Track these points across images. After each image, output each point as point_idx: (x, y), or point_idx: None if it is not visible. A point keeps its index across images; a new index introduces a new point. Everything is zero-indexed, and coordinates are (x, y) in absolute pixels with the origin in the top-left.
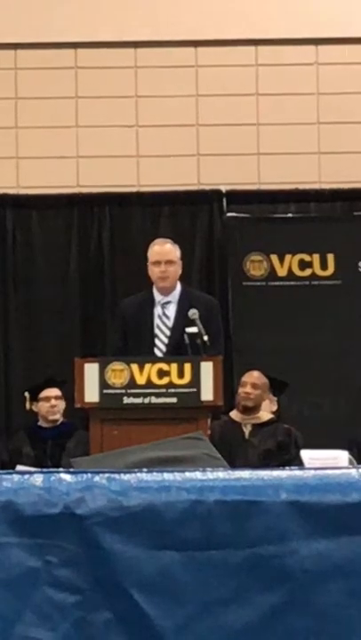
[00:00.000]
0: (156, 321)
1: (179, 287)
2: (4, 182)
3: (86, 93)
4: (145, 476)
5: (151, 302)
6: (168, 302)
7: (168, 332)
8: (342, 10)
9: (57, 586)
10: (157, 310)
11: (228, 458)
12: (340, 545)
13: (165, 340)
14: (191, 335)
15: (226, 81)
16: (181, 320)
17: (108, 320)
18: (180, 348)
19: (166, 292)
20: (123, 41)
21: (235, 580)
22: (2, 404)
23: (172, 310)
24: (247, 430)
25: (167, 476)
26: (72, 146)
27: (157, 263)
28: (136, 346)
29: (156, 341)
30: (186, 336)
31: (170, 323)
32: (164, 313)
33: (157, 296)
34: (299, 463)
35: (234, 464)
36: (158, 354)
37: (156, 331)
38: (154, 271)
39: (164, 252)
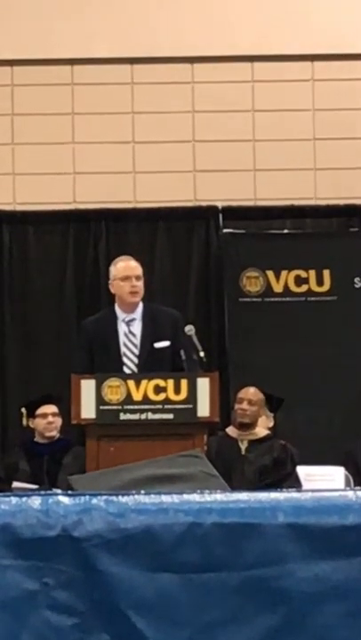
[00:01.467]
0: (123, 339)
1: (141, 304)
2: (1, 198)
3: (83, 109)
4: (143, 498)
5: (114, 320)
6: (132, 319)
7: (136, 350)
8: (338, 26)
9: (55, 608)
10: (122, 328)
11: (224, 474)
12: (337, 567)
13: (134, 358)
14: (160, 350)
15: (222, 97)
16: (148, 336)
17: None
18: (149, 365)
19: (130, 309)
20: (119, 57)
21: (232, 602)
22: None
23: (137, 327)
24: (244, 446)
25: (165, 497)
26: (69, 162)
27: (128, 278)
28: (104, 364)
29: (125, 359)
30: (182, 352)
31: (137, 340)
32: (130, 330)
33: (120, 314)
34: (295, 479)
35: (230, 480)
36: (127, 371)
37: (124, 349)
38: (123, 287)
39: (132, 267)
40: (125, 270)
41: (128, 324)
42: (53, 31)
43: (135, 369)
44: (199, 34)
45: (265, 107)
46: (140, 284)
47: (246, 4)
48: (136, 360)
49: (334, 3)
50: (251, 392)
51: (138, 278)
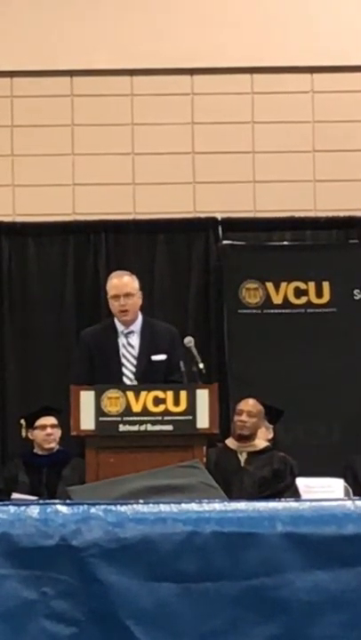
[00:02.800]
0: (122, 350)
1: (140, 317)
2: (0, 210)
3: (82, 121)
4: (141, 508)
5: (114, 332)
6: (131, 332)
7: (134, 361)
8: (338, 38)
9: (53, 617)
10: (121, 340)
11: (223, 486)
12: (335, 577)
13: (132, 369)
14: (157, 363)
15: (222, 109)
16: (145, 349)
17: None
18: (146, 376)
19: (128, 323)
20: (119, 69)
21: (231, 611)
22: None
23: (135, 340)
24: (243, 458)
25: (163, 507)
26: (68, 173)
27: (116, 297)
28: (104, 375)
29: (124, 370)
30: (182, 363)
31: (135, 352)
32: (129, 342)
33: (120, 326)
34: (294, 491)
35: (230, 492)
36: (127, 382)
37: (123, 360)
38: (114, 305)
39: (121, 286)
40: (113, 289)
41: (127, 336)
42: (53, 43)
43: (133, 380)
44: (199, 45)
45: (265, 118)
46: (132, 301)
47: (246, 16)
48: (134, 370)
49: (334, 15)
50: (250, 404)
51: (127, 296)
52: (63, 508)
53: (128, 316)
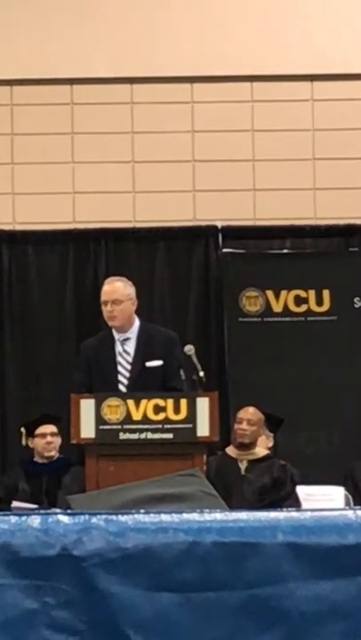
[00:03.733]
0: (118, 357)
1: (137, 323)
2: (1, 218)
3: (82, 129)
4: (142, 518)
5: (112, 340)
6: (127, 339)
7: (128, 367)
8: (337, 46)
9: (54, 627)
10: (118, 347)
11: (223, 494)
12: (336, 586)
13: (127, 375)
14: (151, 369)
15: (222, 117)
16: (140, 355)
17: None
18: (140, 383)
19: (123, 329)
20: (119, 77)
21: (232, 621)
22: None
23: (131, 346)
24: (243, 466)
25: (164, 517)
26: (68, 181)
27: (105, 303)
28: (101, 383)
29: (119, 377)
30: (182, 371)
31: (130, 358)
32: (125, 349)
33: (117, 334)
34: (295, 499)
35: (230, 500)
36: (122, 389)
37: (118, 367)
38: (104, 311)
39: (110, 292)
40: (103, 294)
41: (123, 343)
42: (53, 51)
43: (126, 387)
44: (199, 54)
45: (264, 126)
46: (120, 307)
47: (246, 25)
48: (128, 375)
49: (333, 23)
50: (250, 412)
51: (115, 302)
52: (64, 518)
53: (116, 321)
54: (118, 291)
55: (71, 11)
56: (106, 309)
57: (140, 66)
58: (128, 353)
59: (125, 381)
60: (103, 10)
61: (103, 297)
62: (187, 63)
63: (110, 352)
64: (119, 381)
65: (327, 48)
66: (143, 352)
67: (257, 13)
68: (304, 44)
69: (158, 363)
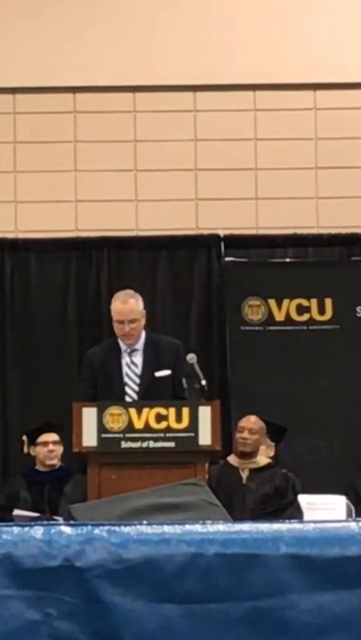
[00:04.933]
0: (125, 369)
1: (143, 334)
2: (3, 226)
3: (85, 137)
4: (145, 529)
5: (118, 350)
6: (135, 350)
7: (137, 379)
8: (341, 55)
9: (56, 638)
10: (125, 358)
11: (225, 503)
12: (339, 598)
13: (135, 387)
14: (161, 379)
15: (224, 125)
16: (149, 366)
17: None
18: (150, 393)
19: (131, 344)
20: (121, 85)
21: (235, 633)
22: None
23: (139, 357)
24: (245, 475)
25: (167, 528)
26: (70, 190)
27: (120, 322)
28: (107, 393)
29: (127, 389)
30: (184, 380)
31: (138, 370)
32: (132, 361)
33: (123, 345)
34: (296, 508)
35: (232, 509)
36: (129, 400)
37: (126, 378)
38: (117, 328)
39: (126, 312)
40: (119, 314)
41: (130, 354)
42: (55, 59)
43: (136, 398)
44: (201, 62)
45: (267, 135)
46: (136, 325)
47: (249, 33)
48: (137, 389)
49: (337, 32)
50: (251, 421)
51: (132, 322)
52: (67, 529)
53: (132, 340)
54: (134, 310)
55: (74, 19)
56: (121, 327)
57: (143, 74)
58: (136, 364)
59: (134, 393)
60: (106, 18)
61: (119, 316)
62: (189, 72)
63: (117, 362)
64: (127, 393)
65: (330, 57)
66: (152, 362)
67: (260, 22)
68: (307, 52)
69: (167, 372)
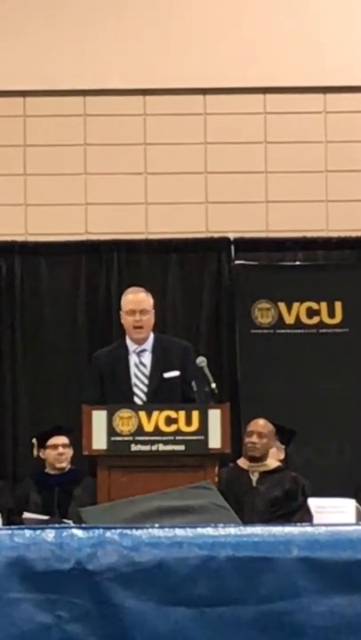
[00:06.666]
0: (133, 369)
1: (152, 335)
2: (13, 229)
3: (95, 141)
4: (156, 532)
5: (125, 352)
6: (143, 350)
7: (146, 380)
8: (351, 58)
9: None
10: (133, 359)
11: (235, 506)
12: (351, 601)
13: (144, 388)
14: (170, 380)
15: (234, 129)
16: (158, 367)
17: None
18: (159, 395)
19: (140, 341)
20: (131, 89)
21: (246, 636)
22: (9, 450)
23: (147, 358)
24: (255, 478)
25: (179, 531)
26: (80, 193)
27: (132, 312)
28: (114, 395)
29: (135, 389)
30: (194, 383)
31: (147, 370)
32: (141, 361)
33: (131, 345)
34: (306, 511)
35: (241, 512)
36: (138, 402)
37: (134, 379)
38: (128, 320)
39: (137, 301)
40: (130, 304)
41: (139, 355)
42: (65, 62)
43: (145, 399)
44: (211, 65)
45: (277, 138)
46: (147, 317)
47: (258, 37)
48: (146, 389)
49: (347, 35)
50: (260, 424)
51: (143, 312)
52: (78, 532)
53: (142, 332)
54: (145, 301)
55: (84, 23)
56: (133, 319)
57: (153, 77)
58: (144, 365)
59: (143, 394)
60: (116, 22)
61: (130, 306)
62: (200, 75)
63: (124, 363)
64: (135, 393)
65: (340, 60)
66: (161, 363)
67: (270, 26)
68: (317, 56)
69: (176, 373)
